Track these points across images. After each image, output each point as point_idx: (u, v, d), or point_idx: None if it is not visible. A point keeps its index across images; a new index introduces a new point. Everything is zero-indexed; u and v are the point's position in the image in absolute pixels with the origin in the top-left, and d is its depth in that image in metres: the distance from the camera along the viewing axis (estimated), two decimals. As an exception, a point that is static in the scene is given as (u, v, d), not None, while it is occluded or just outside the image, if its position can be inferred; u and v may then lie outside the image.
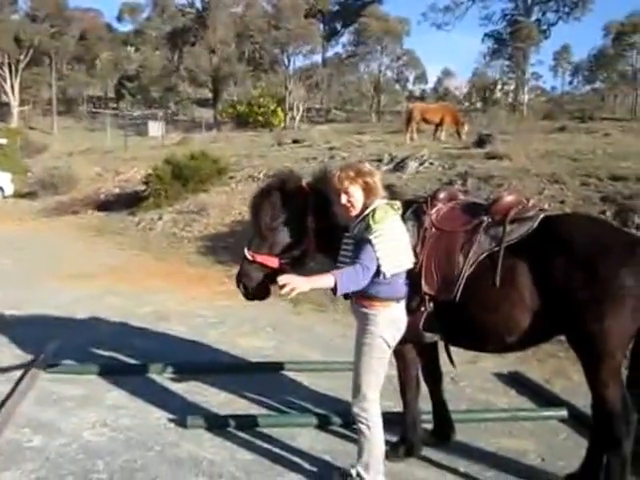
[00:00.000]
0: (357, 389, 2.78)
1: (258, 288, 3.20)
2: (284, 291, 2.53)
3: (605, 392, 2.72)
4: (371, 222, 2.68)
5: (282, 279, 2.55)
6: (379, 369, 2.78)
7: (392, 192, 3.30)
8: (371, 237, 2.65)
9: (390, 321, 2.75)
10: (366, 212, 2.74)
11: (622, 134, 13.74)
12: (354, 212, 2.78)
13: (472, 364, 4.74)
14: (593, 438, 3.02)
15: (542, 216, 2.93)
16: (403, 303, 2.82)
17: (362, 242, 2.68)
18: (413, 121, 15.98)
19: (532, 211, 2.97)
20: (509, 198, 3.03)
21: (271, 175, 3.62)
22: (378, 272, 2.67)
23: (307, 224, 3.10)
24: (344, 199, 2.77)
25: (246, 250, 3.20)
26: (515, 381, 4.51)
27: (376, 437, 2.78)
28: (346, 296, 2.91)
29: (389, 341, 2.77)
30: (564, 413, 3.87)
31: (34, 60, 40.69)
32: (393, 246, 2.69)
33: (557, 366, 4.79)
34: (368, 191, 2.76)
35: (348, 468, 2.92)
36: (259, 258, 3.14)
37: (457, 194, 3.30)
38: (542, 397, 4.20)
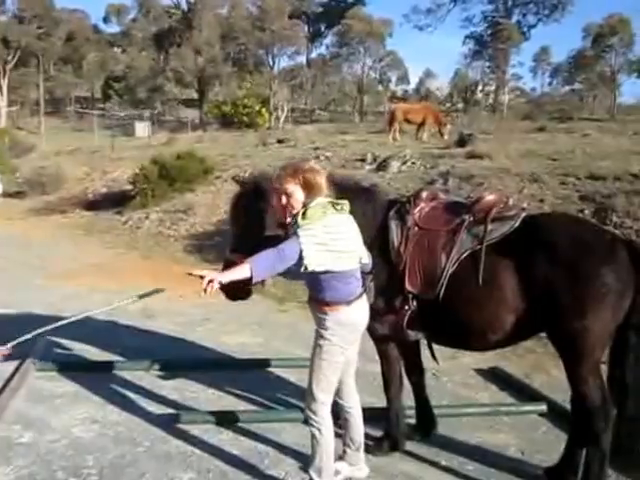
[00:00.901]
0: (309, 392, 2.77)
1: (239, 289, 3.13)
2: (203, 287, 2.42)
3: (585, 388, 2.79)
4: (299, 219, 2.61)
5: (197, 273, 2.46)
6: (329, 372, 2.73)
7: (372, 191, 3.37)
8: (298, 230, 2.59)
9: (339, 324, 2.68)
10: (303, 209, 2.64)
11: (600, 134, 13.97)
12: (294, 212, 2.67)
13: (453, 360, 4.82)
14: (572, 432, 3.09)
15: (523, 215, 3.00)
16: (357, 304, 2.74)
17: (292, 236, 2.62)
18: (396, 121, 16.04)
19: (513, 210, 3.03)
20: (490, 197, 3.08)
21: (248, 177, 3.63)
22: (301, 264, 2.56)
23: (284, 225, 3.06)
24: (284, 199, 2.66)
25: (227, 252, 3.21)
26: (495, 376, 4.61)
27: (327, 440, 2.76)
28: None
29: (339, 344, 2.70)
30: (544, 408, 3.96)
31: (22, 61, 40.57)
32: (319, 242, 2.58)
33: (536, 361, 4.90)
34: (309, 189, 2.64)
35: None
36: (239, 261, 3.05)
37: (439, 193, 3.35)
38: (522, 392, 4.30)
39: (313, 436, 2.78)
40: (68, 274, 7.69)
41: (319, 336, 2.74)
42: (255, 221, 3.12)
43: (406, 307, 3.01)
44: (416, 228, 3.05)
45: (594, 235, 2.93)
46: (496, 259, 2.88)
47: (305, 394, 2.83)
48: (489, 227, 2.94)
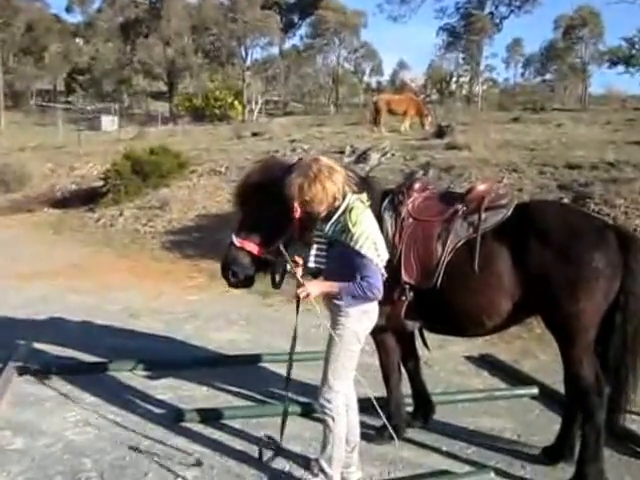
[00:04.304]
0: (324, 380, 2.78)
1: (245, 275, 3.15)
2: (302, 297, 2.68)
3: (579, 367, 2.88)
4: (350, 225, 2.62)
5: (300, 289, 2.68)
6: (347, 361, 2.75)
7: (369, 181, 3.34)
8: (361, 249, 2.60)
9: (361, 312, 2.72)
10: (340, 210, 2.67)
11: (574, 124, 14.28)
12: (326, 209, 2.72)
13: (443, 349, 4.87)
14: (567, 412, 3.20)
15: (515, 203, 3.06)
16: None
17: (357, 256, 2.60)
18: (380, 113, 15.79)
19: (505, 199, 3.08)
20: (482, 187, 3.14)
21: (257, 161, 3.51)
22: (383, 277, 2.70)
23: (293, 212, 3.02)
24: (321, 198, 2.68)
25: (234, 236, 3.12)
26: (486, 363, 4.70)
27: (340, 429, 2.77)
28: (315, 276, 2.94)
29: (359, 332, 2.75)
30: (535, 391, 4.06)
31: (-21, 52, 38.90)
32: (375, 244, 2.66)
33: (524, 347, 5.01)
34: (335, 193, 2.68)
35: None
36: (247, 247, 3.06)
37: (429, 184, 3.37)
38: (513, 377, 4.39)
39: (326, 425, 2.78)
40: (41, 274, 7.45)
41: (339, 324, 2.74)
42: (267, 208, 3.03)
43: (403, 298, 3.02)
44: (410, 219, 3.07)
45: (585, 221, 3.04)
46: (491, 247, 2.94)
47: (321, 383, 2.81)
48: (483, 216, 2.98)
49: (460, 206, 3.05)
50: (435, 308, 3.06)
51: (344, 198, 2.70)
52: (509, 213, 3.00)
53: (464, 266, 2.93)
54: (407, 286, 3.01)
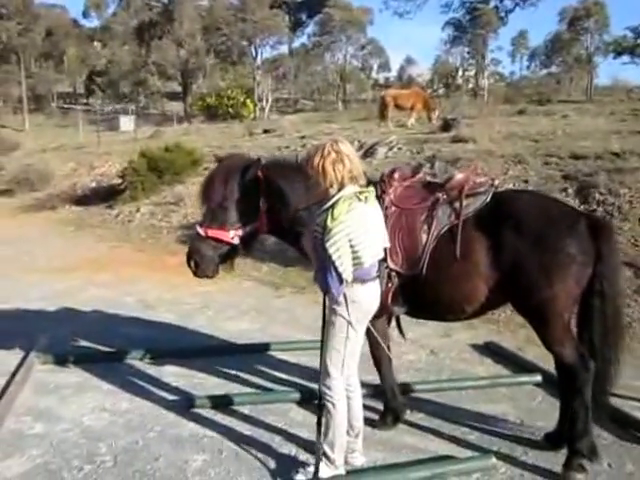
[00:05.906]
0: (323, 367, 2.83)
1: (208, 265, 3.23)
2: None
3: (561, 347, 2.96)
4: (329, 220, 2.61)
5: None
6: (339, 346, 2.77)
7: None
8: (326, 245, 2.60)
9: (351, 301, 2.72)
10: (331, 201, 2.67)
11: (579, 115, 14.14)
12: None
13: (448, 337, 4.99)
14: (562, 395, 3.22)
15: (493, 190, 3.12)
16: (370, 285, 2.79)
17: (325, 250, 2.62)
18: (387, 108, 15.84)
19: (484, 187, 3.15)
20: (461, 175, 3.21)
21: (225, 157, 3.64)
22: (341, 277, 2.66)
23: (260, 205, 3.15)
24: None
25: (197, 226, 3.23)
26: (490, 351, 4.75)
27: (340, 415, 2.80)
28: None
29: (351, 321, 2.74)
30: (538, 378, 4.10)
31: (2, 58, 39.93)
32: (350, 245, 2.63)
33: (528, 335, 5.00)
34: (328, 179, 2.68)
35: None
36: (211, 232, 3.15)
37: (408, 173, 3.40)
38: (517, 364, 4.44)
39: (327, 411, 2.82)
40: (62, 268, 7.69)
41: (331, 312, 2.80)
42: (231, 199, 3.16)
43: (389, 284, 3.08)
44: (393, 207, 3.13)
45: (558, 209, 3.09)
46: (472, 233, 3.00)
47: (320, 370, 2.88)
48: (464, 203, 3.06)
49: (441, 194, 3.12)
50: (419, 294, 3.11)
51: (340, 190, 2.69)
52: (488, 199, 3.06)
53: (447, 252, 3.00)
54: (393, 273, 3.07)
